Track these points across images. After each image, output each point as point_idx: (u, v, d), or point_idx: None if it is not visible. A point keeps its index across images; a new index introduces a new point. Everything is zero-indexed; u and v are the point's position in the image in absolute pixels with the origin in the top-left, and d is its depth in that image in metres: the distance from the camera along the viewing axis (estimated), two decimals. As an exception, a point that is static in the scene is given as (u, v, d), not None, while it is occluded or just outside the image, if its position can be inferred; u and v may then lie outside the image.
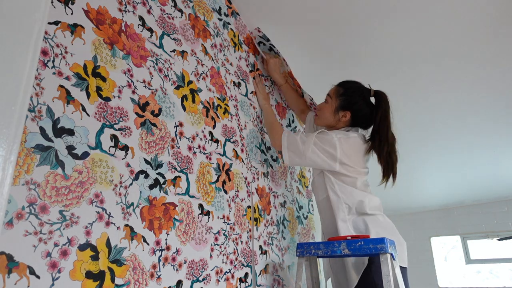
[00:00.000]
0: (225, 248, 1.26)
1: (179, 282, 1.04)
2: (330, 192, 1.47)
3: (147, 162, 1.04)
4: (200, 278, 1.11)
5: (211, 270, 1.17)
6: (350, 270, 1.37)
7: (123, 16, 1.09)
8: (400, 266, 1.34)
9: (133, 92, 1.05)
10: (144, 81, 1.10)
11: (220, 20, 1.62)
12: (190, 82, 1.31)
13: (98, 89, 0.95)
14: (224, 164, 1.38)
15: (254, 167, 1.58)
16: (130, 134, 1.01)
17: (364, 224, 1.40)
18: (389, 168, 1.47)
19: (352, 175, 1.45)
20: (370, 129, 1.59)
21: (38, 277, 0.72)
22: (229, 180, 1.38)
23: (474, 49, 1.85)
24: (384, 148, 1.46)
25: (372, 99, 1.57)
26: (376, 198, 1.50)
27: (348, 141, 1.46)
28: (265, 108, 1.74)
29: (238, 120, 1.55)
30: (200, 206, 1.20)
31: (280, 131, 1.58)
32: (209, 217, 1.22)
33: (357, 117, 1.55)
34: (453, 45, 1.83)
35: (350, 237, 1.26)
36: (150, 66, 1.14)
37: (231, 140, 1.46)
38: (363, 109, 1.54)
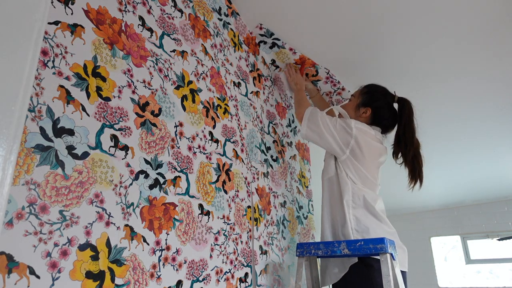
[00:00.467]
0: (225, 248, 1.26)
1: (179, 282, 1.04)
2: (331, 182, 1.49)
3: (147, 162, 1.04)
4: (200, 278, 1.11)
5: (211, 270, 1.17)
6: (335, 266, 1.38)
7: (123, 16, 1.09)
8: (402, 271, 1.34)
9: (133, 92, 1.05)
10: (144, 81, 1.10)
11: (220, 20, 1.62)
12: (190, 82, 1.31)
13: (98, 89, 0.95)
14: (224, 164, 1.38)
15: (254, 167, 1.58)
16: (130, 134, 1.01)
17: (368, 221, 1.39)
18: (415, 172, 1.50)
19: (360, 169, 1.46)
20: (388, 135, 1.63)
21: (38, 277, 0.72)
22: (229, 180, 1.38)
23: (476, 49, 1.85)
24: (410, 152, 1.50)
25: (395, 106, 1.61)
26: (381, 199, 1.50)
27: (366, 134, 1.49)
28: (301, 88, 1.86)
29: (238, 120, 1.55)
30: (200, 206, 1.20)
31: (307, 105, 1.65)
32: (209, 217, 1.22)
33: (377, 116, 1.58)
34: (454, 45, 1.83)
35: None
36: (150, 66, 1.14)
37: (231, 140, 1.46)
38: (384, 109, 1.58)
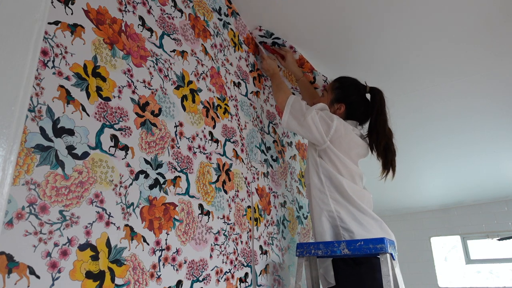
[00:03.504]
0: (225, 248, 1.26)
1: (179, 282, 1.04)
2: (312, 175, 1.48)
3: (147, 162, 1.04)
4: (200, 278, 1.11)
5: (211, 270, 1.17)
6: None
7: (123, 16, 1.09)
8: None
9: (133, 92, 1.05)
10: (144, 81, 1.10)
11: (220, 20, 1.62)
12: (190, 82, 1.31)
13: (98, 89, 0.95)
14: (224, 164, 1.38)
15: (254, 167, 1.58)
16: (130, 134, 1.01)
17: (354, 220, 1.39)
18: (387, 162, 1.50)
19: (340, 159, 1.45)
20: (366, 126, 1.63)
21: (38, 277, 0.72)
22: (229, 180, 1.38)
23: (476, 48, 1.85)
24: (381, 142, 1.50)
25: (368, 96, 1.62)
26: (365, 191, 1.50)
27: (345, 124, 1.50)
28: (276, 72, 1.79)
29: (238, 120, 1.55)
30: (200, 206, 1.20)
31: (288, 92, 1.62)
32: (209, 217, 1.22)
33: (352, 110, 1.59)
34: (454, 44, 1.83)
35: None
36: (150, 66, 1.14)
37: (231, 140, 1.46)
38: (357, 102, 1.60)
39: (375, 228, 1.37)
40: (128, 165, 0.98)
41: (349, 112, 1.59)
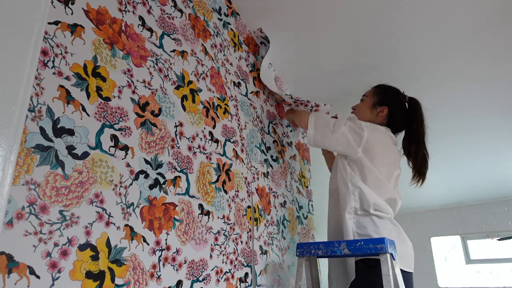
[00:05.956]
0: (225, 248, 1.26)
1: (179, 282, 1.04)
2: (340, 182, 1.46)
3: (147, 162, 1.04)
4: (200, 278, 1.11)
5: (211, 270, 1.17)
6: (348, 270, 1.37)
7: (123, 16, 1.09)
8: (404, 271, 1.32)
9: (133, 92, 1.05)
10: (144, 81, 1.10)
11: (220, 20, 1.62)
12: (190, 82, 1.31)
13: (98, 89, 0.95)
14: (224, 164, 1.38)
15: (254, 167, 1.58)
16: (130, 134, 1.01)
17: (372, 225, 1.37)
18: (421, 172, 1.49)
19: (370, 170, 1.41)
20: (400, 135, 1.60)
21: (38, 277, 0.72)
22: (229, 180, 1.38)
23: (476, 50, 1.85)
24: (420, 152, 1.48)
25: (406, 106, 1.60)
26: (387, 205, 1.46)
27: (376, 131, 1.46)
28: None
29: (238, 120, 1.55)
30: (200, 206, 1.20)
31: (308, 112, 1.65)
32: (209, 217, 1.22)
33: (394, 114, 1.55)
34: (454, 46, 1.83)
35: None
36: (150, 66, 1.14)
37: (231, 140, 1.46)
38: (399, 108, 1.56)
39: (393, 236, 1.35)
40: (128, 165, 0.98)
41: (390, 116, 1.55)
